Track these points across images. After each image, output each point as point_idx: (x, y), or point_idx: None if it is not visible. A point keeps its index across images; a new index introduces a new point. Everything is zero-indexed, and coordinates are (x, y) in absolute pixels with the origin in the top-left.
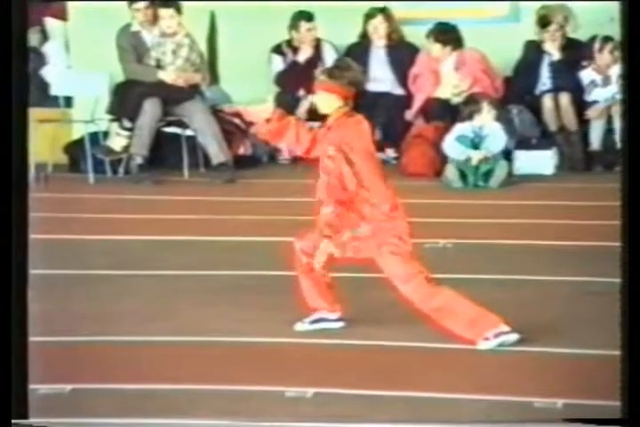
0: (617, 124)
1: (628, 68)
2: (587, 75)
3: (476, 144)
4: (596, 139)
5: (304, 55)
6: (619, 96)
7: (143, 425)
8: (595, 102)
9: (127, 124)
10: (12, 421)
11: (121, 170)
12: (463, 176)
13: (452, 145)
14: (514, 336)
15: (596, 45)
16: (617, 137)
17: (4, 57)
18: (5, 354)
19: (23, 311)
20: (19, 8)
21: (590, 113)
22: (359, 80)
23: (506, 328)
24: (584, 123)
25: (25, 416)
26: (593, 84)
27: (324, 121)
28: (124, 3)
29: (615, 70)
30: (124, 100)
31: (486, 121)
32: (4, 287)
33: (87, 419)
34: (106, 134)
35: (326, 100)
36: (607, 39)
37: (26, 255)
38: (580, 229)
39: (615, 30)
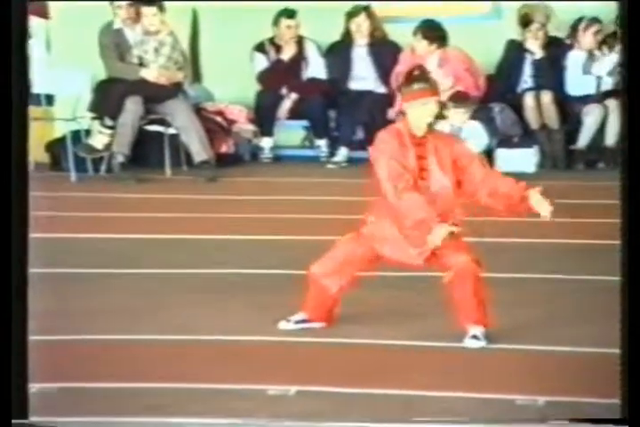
0: (612, 119)
1: (627, 66)
2: (575, 54)
3: None
4: (585, 137)
5: (284, 53)
6: (618, 75)
7: (132, 424)
8: (582, 98)
9: (109, 122)
10: (13, 421)
11: (103, 168)
12: None
13: None
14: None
15: (582, 25)
16: (606, 133)
17: (4, 57)
18: (4, 353)
19: (23, 310)
20: (19, 8)
21: (587, 110)
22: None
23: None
24: (567, 121)
25: (25, 416)
26: (589, 60)
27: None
28: (106, 1)
29: (600, 55)
30: (106, 99)
31: (463, 121)
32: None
33: (73, 418)
34: (88, 132)
35: (434, 107)
36: (593, 20)
37: (26, 254)
38: (562, 227)
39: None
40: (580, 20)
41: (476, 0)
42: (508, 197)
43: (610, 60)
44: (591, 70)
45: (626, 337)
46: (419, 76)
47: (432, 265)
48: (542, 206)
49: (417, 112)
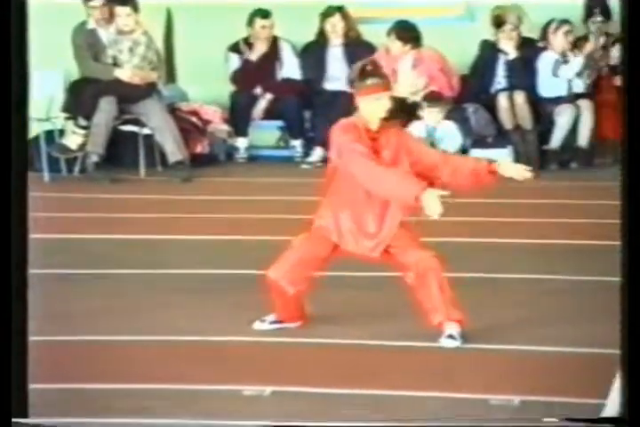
0: (584, 119)
1: (627, 67)
2: (547, 55)
3: (432, 143)
4: (558, 137)
5: (258, 53)
6: (586, 76)
7: (101, 425)
8: (554, 99)
9: (83, 122)
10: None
11: (77, 168)
12: None
13: None
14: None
15: (552, 26)
16: (579, 133)
17: (4, 57)
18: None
19: (23, 311)
20: (18, 8)
21: (559, 111)
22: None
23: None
24: (540, 121)
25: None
26: (558, 62)
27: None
28: (80, 0)
29: (572, 56)
30: (80, 99)
31: (437, 121)
32: None
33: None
34: (61, 133)
35: (387, 102)
36: (563, 22)
37: (25, 255)
38: (536, 227)
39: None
40: (550, 21)
41: None
42: (475, 172)
43: (578, 62)
44: (559, 73)
45: (626, 338)
46: (372, 71)
47: (390, 262)
48: (515, 170)
49: (370, 107)
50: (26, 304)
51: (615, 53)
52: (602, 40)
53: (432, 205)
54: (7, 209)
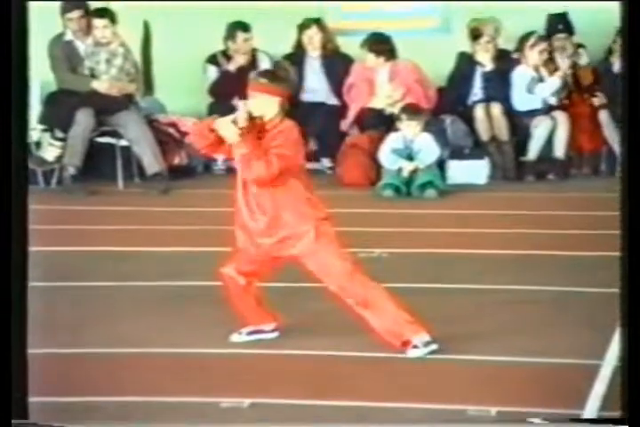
0: (560, 131)
1: (627, 73)
2: (521, 71)
3: (409, 155)
4: (534, 149)
5: (236, 64)
6: (561, 93)
7: None
8: (530, 111)
9: (59, 134)
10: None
11: (54, 181)
12: (397, 187)
13: (387, 155)
14: (435, 346)
15: (531, 41)
16: (555, 144)
17: (4, 58)
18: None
19: (22, 321)
20: (19, 8)
21: (536, 123)
22: (295, 83)
23: (428, 337)
24: (516, 132)
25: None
26: (534, 80)
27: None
28: (57, 12)
29: (546, 74)
30: (57, 110)
31: (415, 133)
32: None
33: None
34: (38, 145)
35: (266, 103)
36: (541, 38)
37: (25, 267)
38: (514, 238)
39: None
40: (529, 34)
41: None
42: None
43: (553, 82)
44: (535, 90)
45: (626, 338)
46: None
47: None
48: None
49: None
50: (25, 314)
51: (584, 61)
52: (568, 55)
53: (225, 131)
54: (8, 221)
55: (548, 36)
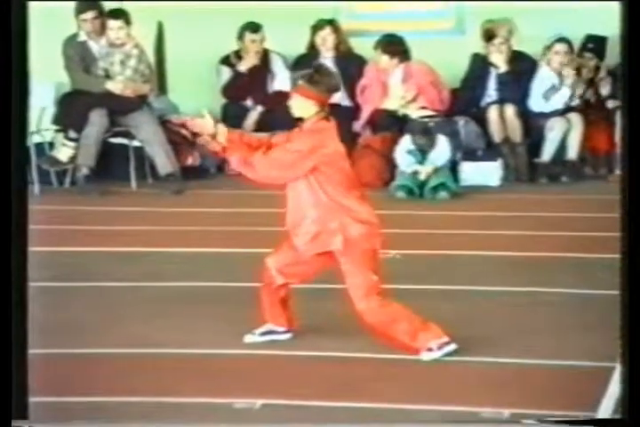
0: (574, 133)
1: (627, 73)
2: (543, 75)
3: (423, 157)
4: (548, 151)
5: (246, 65)
6: (575, 101)
7: None
8: (545, 113)
9: (73, 134)
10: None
11: (67, 181)
12: (410, 189)
13: (402, 156)
14: (453, 346)
15: (555, 48)
16: (569, 146)
17: (4, 58)
18: None
19: (23, 321)
20: (19, 8)
21: (550, 124)
22: (337, 86)
23: (446, 339)
24: (530, 134)
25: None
26: (553, 88)
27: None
28: (72, 12)
29: (567, 73)
30: (71, 111)
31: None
32: None
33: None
34: (51, 145)
35: (303, 105)
36: (565, 42)
37: (25, 267)
38: (527, 240)
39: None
40: (557, 40)
41: (436, 0)
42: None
43: (567, 92)
44: (551, 99)
45: (626, 338)
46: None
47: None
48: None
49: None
50: (26, 314)
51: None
52: (587, 73)
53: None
54: (7, 222)
55: (580, 52)
